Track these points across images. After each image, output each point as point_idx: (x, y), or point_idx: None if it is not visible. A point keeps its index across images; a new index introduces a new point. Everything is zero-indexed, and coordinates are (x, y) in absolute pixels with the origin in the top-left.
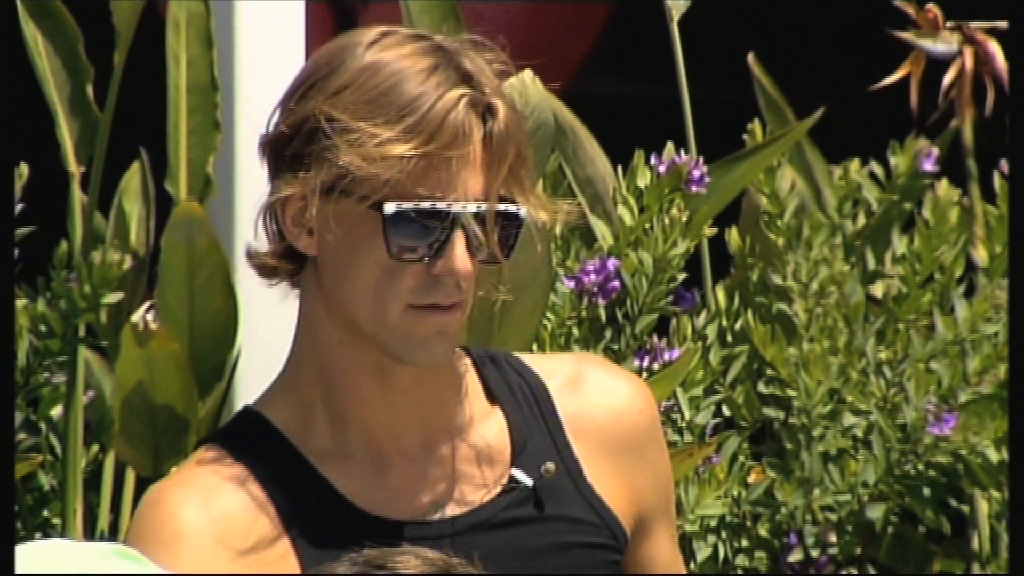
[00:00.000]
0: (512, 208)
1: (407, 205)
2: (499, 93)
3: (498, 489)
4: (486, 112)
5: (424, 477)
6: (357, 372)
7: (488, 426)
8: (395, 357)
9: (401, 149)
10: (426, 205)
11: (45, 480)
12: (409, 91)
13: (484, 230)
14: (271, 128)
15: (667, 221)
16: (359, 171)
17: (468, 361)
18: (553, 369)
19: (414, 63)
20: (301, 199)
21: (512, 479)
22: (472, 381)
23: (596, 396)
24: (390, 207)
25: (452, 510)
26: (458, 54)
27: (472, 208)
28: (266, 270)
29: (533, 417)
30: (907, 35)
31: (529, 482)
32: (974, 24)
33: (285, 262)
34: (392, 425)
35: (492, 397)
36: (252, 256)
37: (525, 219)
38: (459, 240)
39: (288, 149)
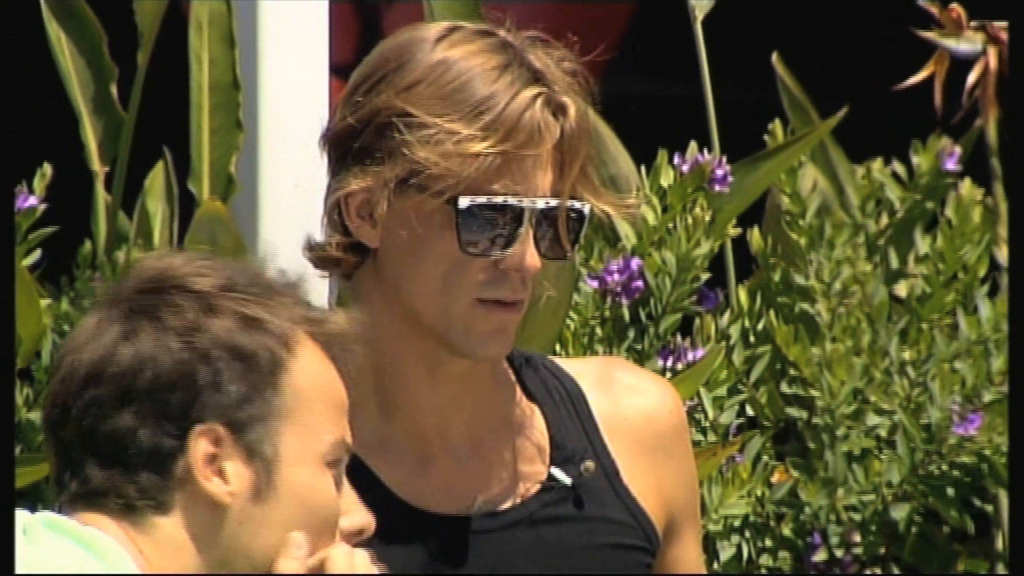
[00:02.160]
0: (577, 205)
1: (481, 200)
2: (568, 91)
3: (537, 486)
4: (558, 111)
5: (467, 472)
6: (408, 364)
7: (528, 424)
8: (454, 350)
9: (479, 147)
10: (499, 201)
11: None
12: (483, 89)
13: (550, 226)
14: (336, 120)
15: (690, 221)
16: (436, 167)
17: (507, 362)
18: (584, 370)
19: (485, 60)
20: (367, 191)
21: (551, 477)
22: (511, 381)
23: (628, 396)
24: (464, 202)
25: (494, 506)
26: (526, 51)
27: (541, 204)
28: (327, 262)
29: (570, 417)
30: (931, 35)
31: (568, 481)
32: (998, 23)
33: (349, 254)
34: (439, 418)
35: (530, 396)
36: (313, 248)
37: (588, 215)
38: (528, 236)
39: (357, 142)
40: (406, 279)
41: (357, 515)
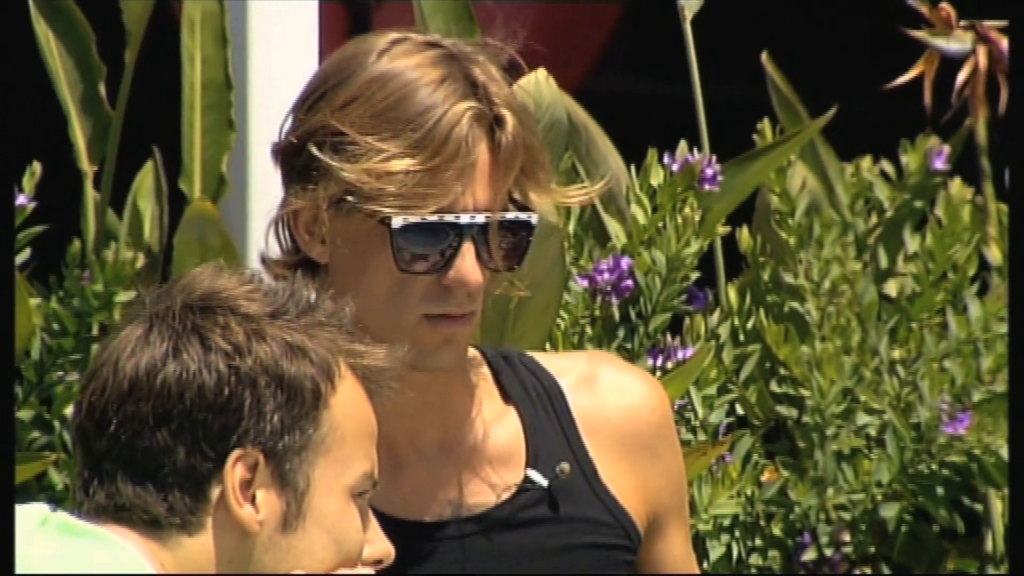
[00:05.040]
0: (522, 216)
1: (414, 219)
2: (508, 102)
3: (513, 489)
4: (493, 123)
5: (439, 478)
6: None
7: (503, 427)
8: (406, 363)
9: (405, 164)
10: (433, 218)
11: (58, 478)
12: (416, 104)
13: (495, 238)
14: (283, 135)
15: (680, 220)
16: (365, 186)
17: (482, 362)
18: (566, 368)
19: (423, 74)
20: (312, 209)
21: (527, 479)
22: (487, 382)
23: (610, 394)
24: (397, 221)
25: (468, 511)
26: (469, 62)
27: (480, 219)
28: (280, 279)
29: (547, 417)
30: (921, 34)
31: (544, 483)
32: (987, 23)
33: (301, 270)
34: (408, 425)
35: (507, 397)
36: (266, 264)
37: (535, 225)
38: (468, 251)
39: (298, 160)
40: (354, 295)
41: (378, 544)
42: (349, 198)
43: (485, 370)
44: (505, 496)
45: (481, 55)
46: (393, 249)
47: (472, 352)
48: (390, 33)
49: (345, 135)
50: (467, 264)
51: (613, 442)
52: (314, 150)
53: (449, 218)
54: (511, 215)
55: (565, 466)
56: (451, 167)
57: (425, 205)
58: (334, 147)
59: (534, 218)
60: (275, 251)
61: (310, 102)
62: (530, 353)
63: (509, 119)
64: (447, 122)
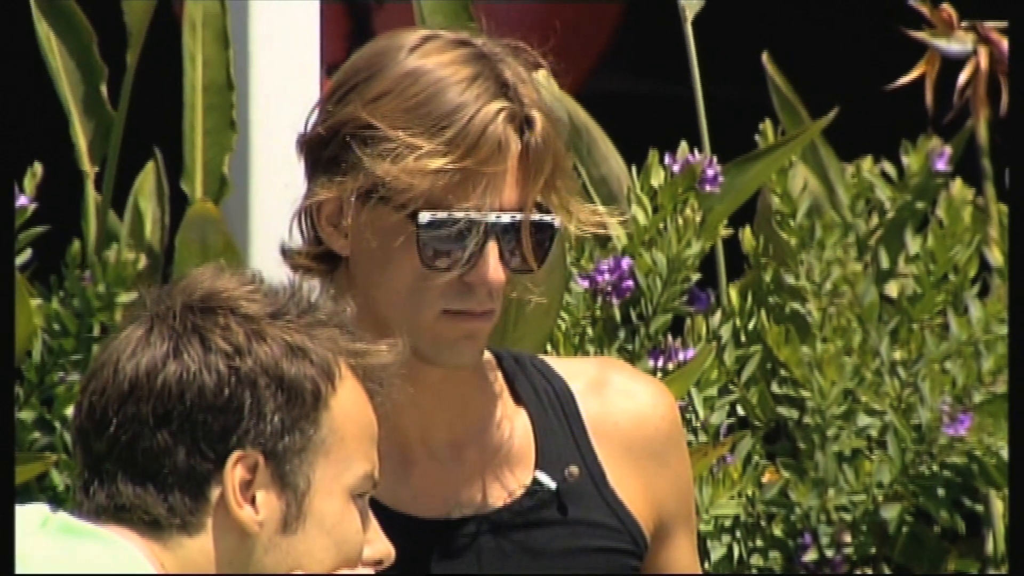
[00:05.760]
0: (546, 218)
1: (441, 215)
2: (537, 104)
3: (522, 491)
4: (524, 124)
5: (450, 477)
6: None
7: (513, 428)
8: (424, 358)
9: (439, 163)
10: (460, 216)
11: (59, 479)
12: (448, 102)
13: (518, 240)
14: (309, 127)
15: (681, 221)
16: (395, 182)
17: (495, 363)
18: (577, 372)
19: (455, 72)
20: (337, 201)
21: (536, 481)
22: (499, 383)
23: (619, 400)
24: (424, 217)
25: (476, 510)
26: (499, 62)
27: (506, 219)
28: (300, 270)
29: (557, 420)
30: (922, 34)
31: (552, 485)
32: (988, 23)
33: (319, 263)
34: (420, 423)
35: (518, 399)
36: (287, 255)
37: (559, 228)
38: (492, 250)
39: (325, 151)
40: (375, 288)
41: (379, 545)
42: (377, 192)
43: (497, 371)
44: (514, 497)
45: (510, 55)
46: (418, 244)
47: (486, 354)
48: (420, 30)
49: (376, 128)
50: (491, 263)
51: (621, 448)
52: (347, 141)
53: (476, 216)
54: (536, 217)
55: (574, 469)
56: (484, 168)
57: (453, 202)
58: (364, 140)
59: (557, 221)
60: (298, 242)
61: (340, 94)
62: (541, 357)
63: (539, 120)
64: (480, 121)
